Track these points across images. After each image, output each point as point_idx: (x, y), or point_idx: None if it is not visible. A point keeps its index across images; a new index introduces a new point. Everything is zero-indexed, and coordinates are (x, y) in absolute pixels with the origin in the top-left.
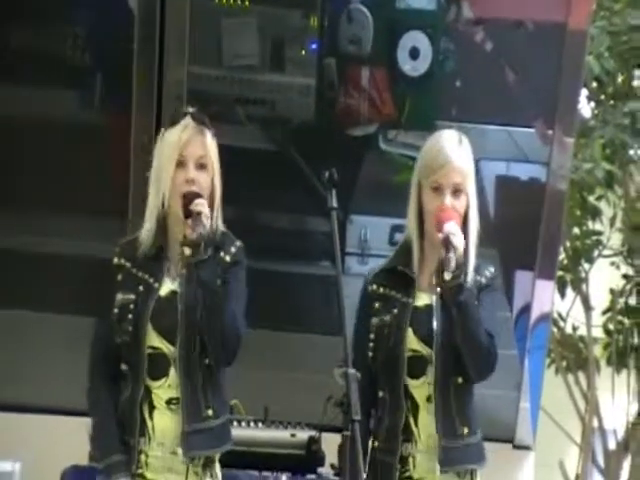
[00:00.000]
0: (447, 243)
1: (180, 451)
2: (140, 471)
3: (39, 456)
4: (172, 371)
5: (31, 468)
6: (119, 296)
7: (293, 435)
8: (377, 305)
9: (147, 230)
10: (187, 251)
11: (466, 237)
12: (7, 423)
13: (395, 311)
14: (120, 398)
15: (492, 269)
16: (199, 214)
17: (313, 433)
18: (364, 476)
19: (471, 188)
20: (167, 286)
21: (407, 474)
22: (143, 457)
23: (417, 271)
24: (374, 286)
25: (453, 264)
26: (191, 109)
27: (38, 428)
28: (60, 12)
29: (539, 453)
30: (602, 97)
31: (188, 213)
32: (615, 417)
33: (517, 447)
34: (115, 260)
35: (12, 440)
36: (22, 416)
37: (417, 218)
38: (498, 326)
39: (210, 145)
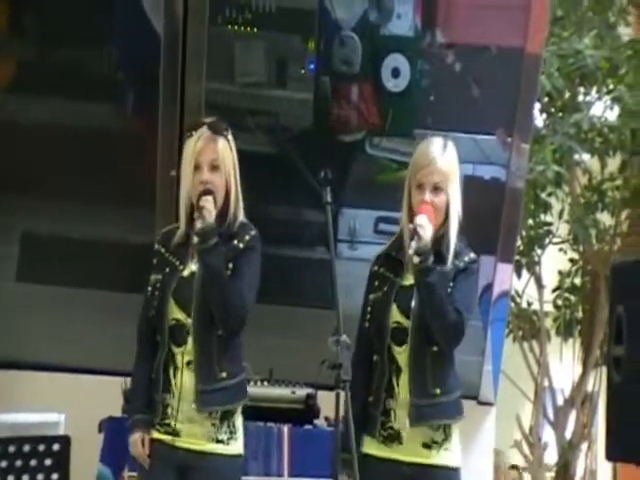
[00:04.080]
0: (414, 233)
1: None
2: (167, 421)
3: (80, 409)
4: (190, 339)
5: (74, 419)
6: (152, 277)
7: (293, 392)
8: (376, 283)
9: (181, 223)
10: (195, 239)
11: (447, 228)
12: (54, 381)
13: (385, 288)
14: (156, 362)
15: (472, 255)
16: (201, 209)
17: (310, 390)
18: (353, 426)
19: (452, 187)
20: (190, 268)
21: (389, 424)
22: (170, 410)
23: (407, 256)
24: (375, 267)
25: (412, 251)
26: (209, 119)
27: (80, 385)
28: (99, 36)
29: (499, 408)
30: (552, 110)
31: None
32: (562, 378)
33: (481, 403)
34: (155, 246)
35: (58, 395)
36: (67, 375)
37: (408, 211)
38: (471, 304)
39: (222, 149)
